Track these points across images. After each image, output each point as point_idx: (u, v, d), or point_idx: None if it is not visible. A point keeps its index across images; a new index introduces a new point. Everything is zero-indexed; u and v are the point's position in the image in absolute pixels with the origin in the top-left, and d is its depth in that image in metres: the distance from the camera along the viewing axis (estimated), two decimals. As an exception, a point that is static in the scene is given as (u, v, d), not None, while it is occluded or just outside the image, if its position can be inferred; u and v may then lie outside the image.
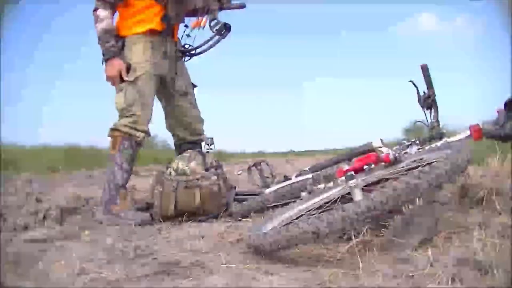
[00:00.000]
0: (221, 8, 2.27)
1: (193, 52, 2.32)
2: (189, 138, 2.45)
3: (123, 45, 2.14)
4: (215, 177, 2.15)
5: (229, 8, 2.32)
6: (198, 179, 2.08)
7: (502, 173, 1.68)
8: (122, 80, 2.10)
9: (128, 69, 2.09)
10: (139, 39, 2.15)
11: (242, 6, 2.34)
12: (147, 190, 2.50)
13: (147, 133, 2.18)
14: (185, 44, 2.34)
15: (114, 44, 2.11)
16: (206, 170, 2.23)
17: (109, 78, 2.13)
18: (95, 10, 2.12)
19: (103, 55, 2.12)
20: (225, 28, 2.21)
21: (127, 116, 2.12)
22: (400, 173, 1.44)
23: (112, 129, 2.14)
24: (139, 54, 2.14)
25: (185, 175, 2.08)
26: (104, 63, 2.12)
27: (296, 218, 1.49)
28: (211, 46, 2.27)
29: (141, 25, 2.17)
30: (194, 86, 2.50)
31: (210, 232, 1.77)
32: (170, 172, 2.11)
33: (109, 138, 2.16)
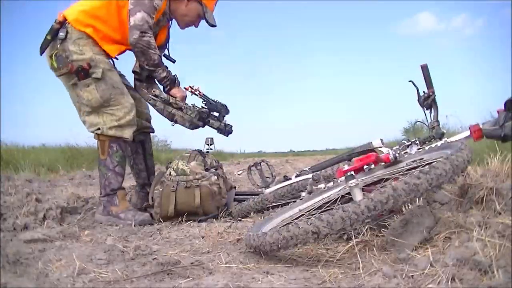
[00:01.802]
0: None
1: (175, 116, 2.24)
2: (144, 125, 2.39)
3: (66, 34, 2.01)
4: (215, 177, 2.15)
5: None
6: (198, 179, 2.08)
7: (502, 173, 1.68)
8: (86, 75, 2.01)
9: (89, 65, 2.00)
10: (88, 39, 2.05)
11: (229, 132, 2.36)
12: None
13: (134, 123, 2.13)
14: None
15: (169, 71, 2.19)
16: (206, 170, 2.23)
17: (182, 98, 2.22)
18: (144, 33, 2.05)
19: (169, 82, 2.18)
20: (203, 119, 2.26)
21: (106, 113, 2.07)
22: (400, 173, 1.44)
23: (98, 134, 2.08)
24: (90, 48, 2.04)
25: (185, 175, 2.08)
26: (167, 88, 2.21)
27: (296, 218, 1.49)
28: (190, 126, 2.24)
29: (98, 36, 2.07)
30: None
31: (210, 232, 1.77)
32: (170, 172, 2.11)
33: (96, 141, 2.12)
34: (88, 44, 2.04)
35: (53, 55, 2.03)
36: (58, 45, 2.01)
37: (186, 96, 2.26)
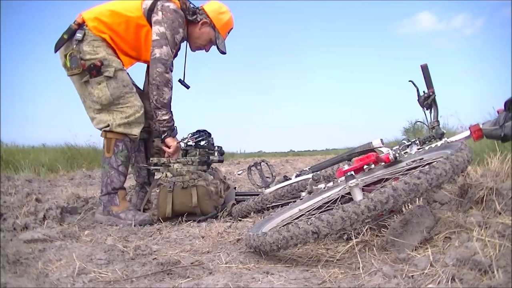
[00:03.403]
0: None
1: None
2: (148, 123, 2.38)
3: (84, 36, 2.05)
4: (212, 177, 2.15)
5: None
6: (194, 179, 2.08)
7: (502, 173, 1.68)
8: (98, 73, 2.03)
9: (101, 63, 2.03)
10: (103, 42, 2.09)
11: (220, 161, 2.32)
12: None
13: (142, 121, 2.15)
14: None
15: (172, 117, 2.17)
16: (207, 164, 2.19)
17: (176, 149, 2.18)
18: (169, 69, 2.10)
19: (167, 128, 2.15)
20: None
21: (116, 111, 2.09)
22: (400, 173, 1.44)
23: (106, 131, 2.09)
24: (103, 49, 2.08)
25: (181, 176, 2.08)
26: (163, 138, 2.18)
27: (296, 218, 1.49)
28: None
29: (113, 44, 2.12)
30: None
31: (210, 232, 1.77)
32: (166, 174, 2.10)
33: (103, 139, 2.13)
34: (102, 46, 2.08)
35: (68, 54, 2.05)
36: (74, 46, 2.05)
37: (180, 147, 2.22)
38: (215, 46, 2.35)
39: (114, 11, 2.11)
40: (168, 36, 2.11)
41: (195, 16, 2.27)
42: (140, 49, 2.19)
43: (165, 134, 2.18)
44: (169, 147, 2.18)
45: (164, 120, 2.14)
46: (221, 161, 2.28)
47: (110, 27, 2.10)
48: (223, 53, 2.37)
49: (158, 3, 2.13)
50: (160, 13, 2.11)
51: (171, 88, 2.15)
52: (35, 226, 1.77)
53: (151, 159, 2.20)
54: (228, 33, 2.38)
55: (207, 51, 2.41)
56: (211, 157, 2.22)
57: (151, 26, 2.13)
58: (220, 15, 2.31)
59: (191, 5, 2.29)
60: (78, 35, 2.04)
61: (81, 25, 2.07)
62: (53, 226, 1.78)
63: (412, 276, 0.97)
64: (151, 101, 2.14)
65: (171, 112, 2.18)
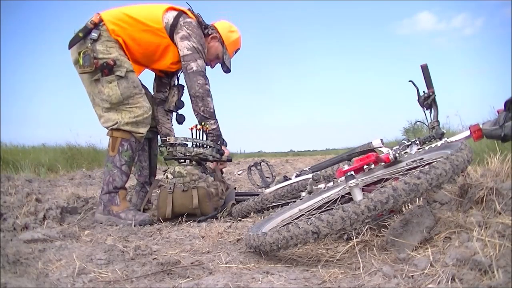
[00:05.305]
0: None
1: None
2: (154, 124, 2.43)
3: (99, 36, 2.07)
4: (212, 178, 2.16)
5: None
6: (195, 180, 2.08)
7: (502, 173, 1.68)
8: (110, 72, 2.05)
9: (114, 62, 2.05)
10: (116, 43, 2.12)
11: (229, 160, 2.36)
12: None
13: (149, 122, 2.17)
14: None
15: (219, 126, 2.26)
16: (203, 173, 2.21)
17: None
18: (207, 80, 2.17)
19: (216, 137, 2.22)
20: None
21: (125, 110, 2.10)
22: (400, 173, 1.44)
23: (113, 129, 2.10)
24: (116, 50, 2.10)
25: (182, 177, 2.08)
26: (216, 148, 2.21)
27: (296, 218, 1.49)
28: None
29: (126, 49, 2.16)
30: None
31: (210, 232, 1.77)
32: (167, 176, 2.11)
33: (108, 138, 2.14)
34: (115, 47, 2.11)
35: (81, 52, 2.06)
36: (89, 44, 2.06)
37: (231, 159, 2.31)
38: (220, 64, 2.42)
39: (136, 19, 2.14)
40: (200, 49, 2.19)
41: (206, 30, 2.35)
42: (152, 58, 2.24)
43: (219, 143, 2.23)
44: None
45: (214, 129, 2.22)
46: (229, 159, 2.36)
47: (130, 34, 2.14)
48: (228, 70, 2.44)
49: (180, 19, 2.20)
50: (185, 28, 2.18)
51: (212, 98, 2.23)
52: (35, 226, 1.77)
53: (167, 138, 2.22)
54: (235, 53, 2.47)
55: (212, 67, 2.47)
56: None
57: (171, 40, 2.19)
58: (229, 33, 2.41)
59: (203, 21, 2.36)
60: (94, 35, 2.07)
61: (97, 25, 2.09)
62: (53, 226, 1.78)
63: (412, 276, 0.97)
64: (197, 113, 2.21)
65: (217, 120, 2.25)
